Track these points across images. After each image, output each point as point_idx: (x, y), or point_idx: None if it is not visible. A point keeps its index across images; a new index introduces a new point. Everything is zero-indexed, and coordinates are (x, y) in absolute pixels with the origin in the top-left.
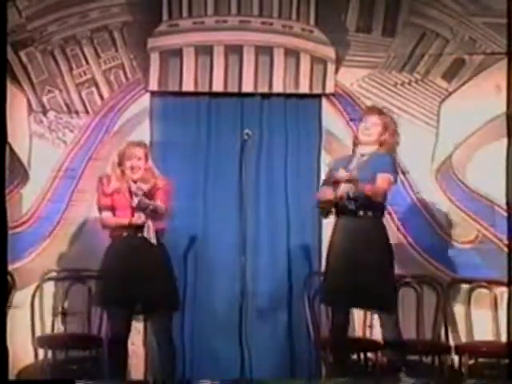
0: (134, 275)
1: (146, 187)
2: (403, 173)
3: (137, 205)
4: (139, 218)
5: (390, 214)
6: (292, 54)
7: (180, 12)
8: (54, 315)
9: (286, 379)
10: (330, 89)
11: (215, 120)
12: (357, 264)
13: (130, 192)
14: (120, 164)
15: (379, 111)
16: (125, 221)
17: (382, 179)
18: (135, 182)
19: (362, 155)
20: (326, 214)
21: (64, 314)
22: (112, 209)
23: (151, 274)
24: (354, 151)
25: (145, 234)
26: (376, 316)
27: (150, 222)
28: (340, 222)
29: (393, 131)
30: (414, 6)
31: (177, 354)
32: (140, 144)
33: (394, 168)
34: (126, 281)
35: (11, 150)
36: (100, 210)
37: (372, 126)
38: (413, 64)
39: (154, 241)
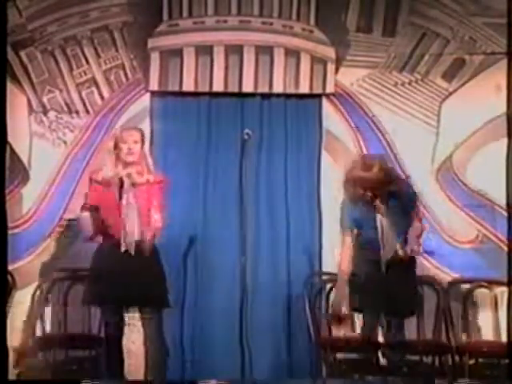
0: (121, 275)
1: (139, 180)
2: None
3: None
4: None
5: None
6: (292, 53)
7: (180, 12)
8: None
9: (286, 379)
10: (330, 89)
11: (215, 120)
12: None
13: (120, 189)
14: (115, 147)
15: (379, 167)
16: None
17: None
18: (128, 165)
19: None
20: None
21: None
22: (97, 208)
23: (138, 273)
24: (359, 195)
25: (127, 244)
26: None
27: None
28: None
29: (394, 175)
30: (414, 6)
31: (167, 352)
32: (136, 128)
33: (415, 200)
34: (113, 281)
35: (11, 149)
36: (82, 208)
37: (377, 181)
38: (413, 64)
39: (132, 251)
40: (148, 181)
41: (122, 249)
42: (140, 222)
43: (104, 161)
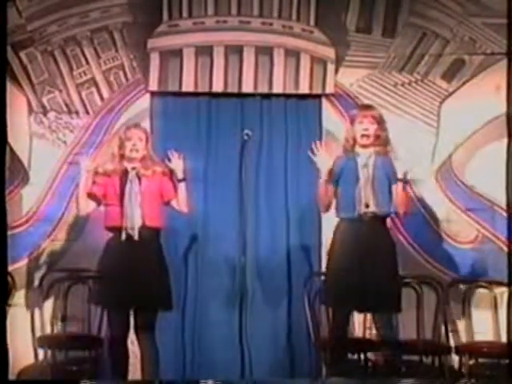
0: (126, 275)
1: (145, 172)
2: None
3: None
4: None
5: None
6: (292, 54)
7: (180, 12)
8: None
9: (286, 379)
10: (329, 89)
11: (215, 120)
12: (364, 265)
13: (125, 176)
14: (120, 147)
15: (371, 108)
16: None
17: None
18: (133, 160)
19: (365, 161)
20: None
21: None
22: (97, 199)
23: (142, 273)
24: (348, 151)
25: (128, 230)
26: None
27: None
28: (345, 223)
29: (384, 125)
30: (414, 7)
31: (159, 352)
32: (140, 126)
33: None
34: (119, 280)
35: (11, 150)
36: (89, 197)
37: (370, 126)
38: (413, 64)
39: (136, 237)
40: (155, 172)
41: (123, 236)
42: (145, 210)
43: (109, 157)
